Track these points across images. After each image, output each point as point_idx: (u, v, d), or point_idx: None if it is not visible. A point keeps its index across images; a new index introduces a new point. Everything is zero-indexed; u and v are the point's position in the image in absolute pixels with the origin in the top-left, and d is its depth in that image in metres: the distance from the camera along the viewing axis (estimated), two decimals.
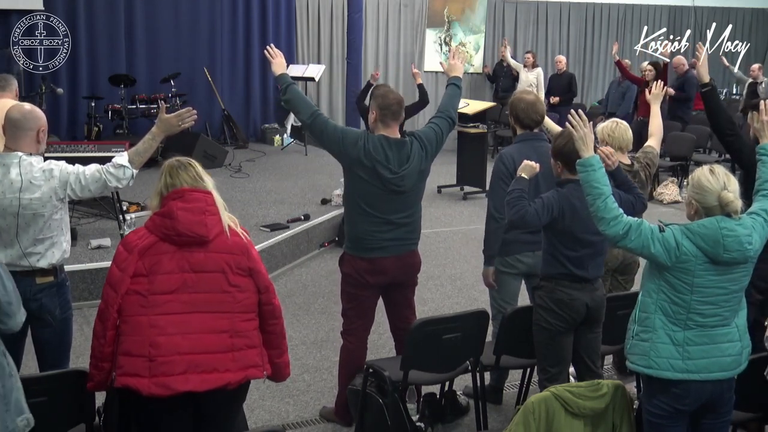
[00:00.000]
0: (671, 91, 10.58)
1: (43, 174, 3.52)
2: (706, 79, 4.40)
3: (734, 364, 3.11)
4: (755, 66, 12.13)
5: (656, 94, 4.83)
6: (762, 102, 3.68)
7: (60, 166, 3.57)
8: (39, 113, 3.62)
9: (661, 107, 4.89)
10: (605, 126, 4.56)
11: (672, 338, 3.05)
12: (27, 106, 3.64)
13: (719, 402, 3.14)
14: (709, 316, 3.04)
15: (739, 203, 2.99)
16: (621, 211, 3.08)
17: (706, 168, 3.05)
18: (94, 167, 3.59)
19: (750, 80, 12.02)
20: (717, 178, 3.00)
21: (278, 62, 4.28)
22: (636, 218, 3.10)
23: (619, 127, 4.52)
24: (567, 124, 3.35)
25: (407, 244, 4.12)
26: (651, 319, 3.09)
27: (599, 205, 3.07)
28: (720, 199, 2.98)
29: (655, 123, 4.81)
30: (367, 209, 3.99)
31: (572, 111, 3.33)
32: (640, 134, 6.06)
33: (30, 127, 3.54)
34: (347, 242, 4.17)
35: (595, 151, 3.84)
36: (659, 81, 4.97)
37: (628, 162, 4.55)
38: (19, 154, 3.50)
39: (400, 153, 3.97)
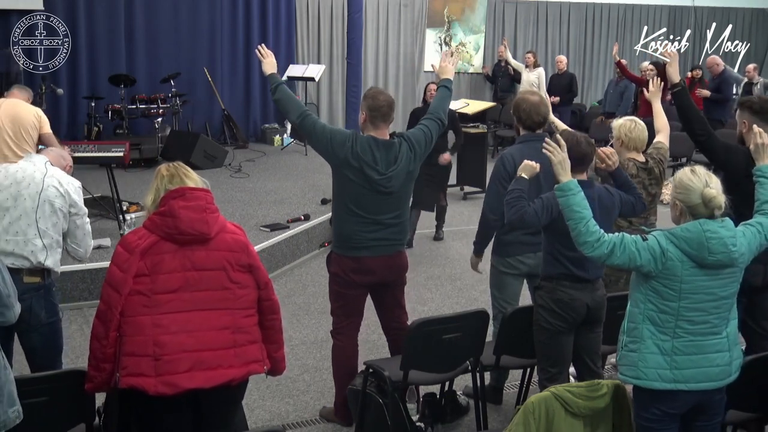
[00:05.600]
0: (706, 93, 10.63)
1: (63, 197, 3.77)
2: (677, 79, 4.44)
3: (723, 374, 3.09)
4: (750, 66, 12.16)
5: (654, 91, 4.83)
6: (755, 126, 3.68)
7: (83, 216, 3.83)
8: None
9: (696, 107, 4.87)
10: (623, 125, 4.57)
11: (660, 348, 3.04)
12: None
13: (709, 406, 3.15)
14: (699, 323, 3.03)
15: (722, 198, 3.00)
16: (602, 231, 3.08)
17: (687, 169, 3.09)
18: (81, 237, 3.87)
19: (745, 80, 12.05)
20: (699, 177, 3.03)
21: (269, 62, 4.29)
22: (616, 234, 3.09)
23: (637, 126, 4.55)
24: (542, 150, 3.34)
25: (395, 244, 4.13)
26: (639, 329, 3.09)
27: (581, 229, 3.08)
28: (703, 196, 2.99)
29: (660, 120, 4.83)
30: (354, 209, 4.00)
31: (547, 140, 3.33)
32: None
33: (62, 164, 3.99)
34: (335, 241, 4.19)
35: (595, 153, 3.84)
36: (658, 78, 4.98)
37: (643, 159, 4.57)
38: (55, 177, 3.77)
39: (388, 154, 3.97)
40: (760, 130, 3.53)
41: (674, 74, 4.46)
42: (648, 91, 4.91)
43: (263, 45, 4.48)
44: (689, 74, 12.01)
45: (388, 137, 4.03)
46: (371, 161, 3.93)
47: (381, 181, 3.95)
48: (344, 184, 4.01)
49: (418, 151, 4.06)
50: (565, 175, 3.21)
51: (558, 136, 3.40)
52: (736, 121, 4.36)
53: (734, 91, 13.62)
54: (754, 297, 4.16)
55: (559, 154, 3.25)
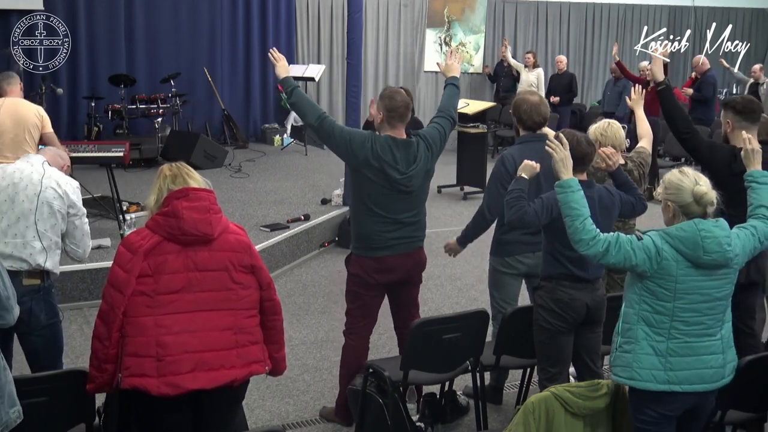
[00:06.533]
0: (689, 91, 10.62)
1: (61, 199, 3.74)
2: (660, 77, 4.48)
3: (716, 376, 3.09)
4: (756, 67, 12.09)
5: (636, 99, 4.91)
6: (743, 132, 3.70)
7: (82, 216, 3.81)
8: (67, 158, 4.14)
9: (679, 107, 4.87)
10: (598, 126, 4.58)
11: (655, 349, 3.05)
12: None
13: (703, 408, 3.16)
14: (693, 324, 3.04)
15: (713, 194, 3.02)
16: (598, 230, 3.10)
17: (675, 170, 3.12)
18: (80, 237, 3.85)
19: (751, 81, 11.98)
20: (687, 176, 3.06)
21: (282, 65, 4.29)
22: (611, 233, 3.11)
23: (611, 126, 4.55)
24: (545, 148, 3.36)
25: (414, 241, 4.16)
26: (633, 330, 3.10)
27: (577, 226, 3.10)
28: (694, 194, 3.01)
29: (643, 126, 4.88)
30: (374, 209, 4.02)
31: (549, 137, 3.35)
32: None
33: (60, 164, 3.95)
34: (354, 242, 4.19)
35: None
36: (639, 86, 5.05)
37: (622, 161, 4.58)
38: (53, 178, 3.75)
39: (407, 153, 3.99)
40: (749, 136, 3.56)
41: (658, 73, 4.54)
42: (629, 99, 4.96)
43: (275, 49, 4.49)
44: (693, 75, 11.99)
45: (404, 136, 4.05)
46: (392, 161, 3.95)
47: (402, 181, 3.97)
48: (364, 184, 4.02)
49: (434, 149, 4.11)
50: (567, 173, 3.24)
51: (560, 134, 3.41)
52: (720, 121, 4.38)
53: (736, 92, 13.60)
54: (738, 295, 4.17)
55: (561, 152, 3.27)
